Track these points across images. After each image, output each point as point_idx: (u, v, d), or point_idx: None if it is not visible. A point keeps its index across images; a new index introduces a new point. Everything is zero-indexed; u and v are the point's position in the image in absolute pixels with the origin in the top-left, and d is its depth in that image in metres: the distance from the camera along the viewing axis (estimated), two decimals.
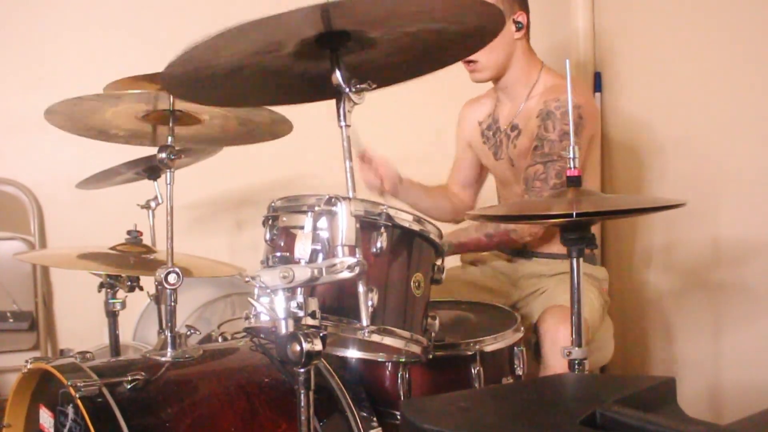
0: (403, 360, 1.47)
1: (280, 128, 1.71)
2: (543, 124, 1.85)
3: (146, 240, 1.84)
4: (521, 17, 1.92)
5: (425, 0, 1.18)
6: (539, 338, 1.78)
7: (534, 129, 1.87)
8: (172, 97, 1.48)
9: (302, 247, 1.17)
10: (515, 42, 1.94)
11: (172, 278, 1.44)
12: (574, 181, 1.42)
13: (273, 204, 1.37)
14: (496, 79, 2.00)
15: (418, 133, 2.67)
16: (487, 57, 1.90)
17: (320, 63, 1.25)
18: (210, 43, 1.10)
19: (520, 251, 2.09)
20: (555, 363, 1.69)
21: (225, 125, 1.70)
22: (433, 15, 1.22)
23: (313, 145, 2.23)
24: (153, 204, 1.88)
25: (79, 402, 1.23)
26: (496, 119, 2.05)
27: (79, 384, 1.24)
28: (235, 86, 1.34)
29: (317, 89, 1.30)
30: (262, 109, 1.60)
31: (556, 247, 2.00)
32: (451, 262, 1.81)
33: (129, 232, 1.80)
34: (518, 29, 1.92)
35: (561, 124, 1.82)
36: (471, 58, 1.89)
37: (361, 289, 1.21)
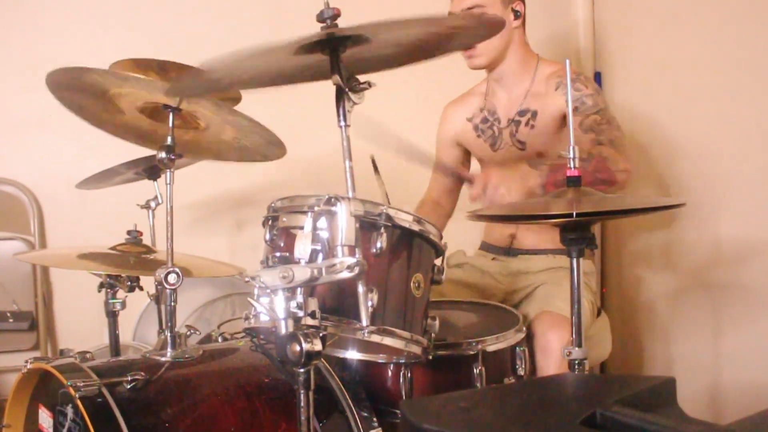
0: (403, 361, 1.47)
1: (272, 149, 1.71)
2: (572, 86, 1.86)
3: (146, 240, 1.84)
4: (519, 6, 1.97)
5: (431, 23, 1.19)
6: (532, 343, 1.78)
7: (556, 105, 1.92)
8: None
9: (302, 247, 1.17)
10: (513, 30, 1.97)
11: (172, 278, 1.44)
12: (574, 181, 1.42)
13: (273, 204, 1.37)
14: (491, 68, 2.01)
15: (417, 133, 2.67)
16: (486, 44, 1.93)
17: (318, 56, 1.25)
18: (215, 68, 1.11)
19: (506, 249, 2.11)
20: (547, 368, 1.69)
21: (220, 134, 1.70)
22: (437, 30, 1.23)
23: (313, 144, 2.23)
24: (153, 204, 1.88)
25: (78, 402, 1.23)
26: (493, 111, 2.07)
27: (78, 384, 1.24)
28: (232, 78, 1.34)
29: (314, 75, 1.32)
30: (258, 125, 1.60)
31: (543, 242, 2.01)
32: None
33: (129, 232, 1.80)
34: (516, 17, 1.96)
35: (587, 83, 1.91)
36: None
37: (360, 289, 1.21)
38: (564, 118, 1.94)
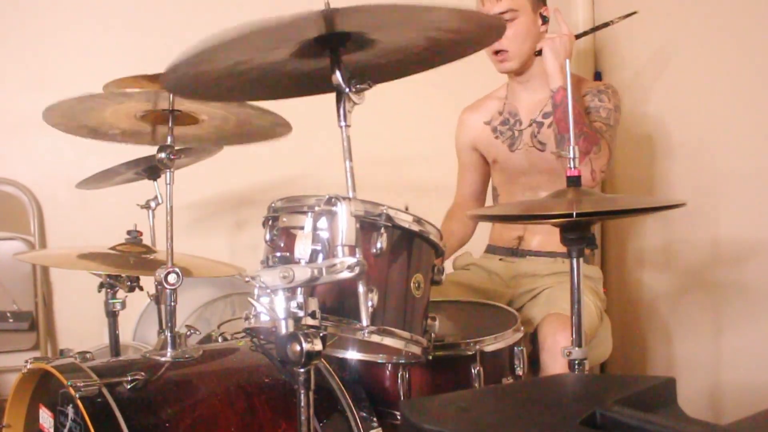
0: (403, 361, 1.47)
1: (278, 130, 1.71)
2: (596, 97, 1.97)
3: (146, 240, 1.84)
4: (546, 11, 2.01)
5: (431, 11, 1.19)
6: (538, 344, 1.78)
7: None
8: (171, 96, 1.48)
9: (302, 248, 1.17)
10: (541, 35, 1.99)
11: (172, 278, 1.44)
12: (574, 181, 1.42)
13: (273, 204, 1.37)
14: (520, 72, 2.04)
15: (419, 134, 2.67)
16: (519, 47, 1.97)
17: (319, 61, 1.25)
18: (210, 47, 1.10)
19: (513, 250, 2.11)
20: (554, 370, 1.69)
21: (223, 126, 1.70)
22: (436, 24, 1.23)
23: (313, 145, 2.23)
24: (153, 204, 1.89)
25: (78, 402, 1.23)
26: (514, 113, 2.09)
27: (79, 384, 1.24)
28: (233, 82, 1.34)
29: (316, 85, 1.31)
30: (262, 111, 1.60)
31: (550, 245, 2.01)
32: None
33: (129, 232, 1.80)
34: (544, 22, 2.00)
35: (615, 99, 1.99)
36: (502, 47, 1.96)
37: (361, 289, 1.21)
38: None
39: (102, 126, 1.68)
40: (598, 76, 2.72)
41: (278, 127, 1.69)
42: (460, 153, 2.24)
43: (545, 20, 2.01)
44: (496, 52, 1.98)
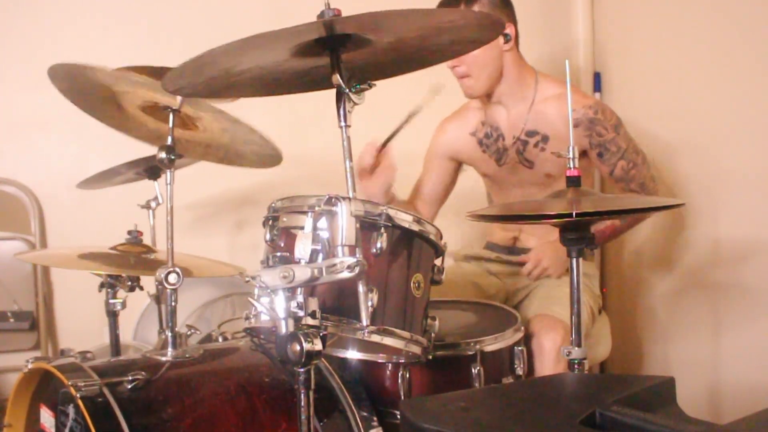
0: (403, 361, 1.47)
1: (267, 160, 1.71)
2: (593, 132, 1.92)
3: (146, 240, 1.84)
4: (509, 29, 1.93)
5: (431, 15, 1.19)
6: (530, 344, 1.78)
7: (578, 143, 1.87)
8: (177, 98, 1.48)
9: (302, 247, 1.17)
10: (504, 54, 1.94)
11: (172, 278, 1.44)
12: (574, 181, 1.42)
13: (273, 204, 1.37)
14: (489, 93, 1.99)
15: (419, 134, 2.67)
16: (479, 72, 1.92)
17: (318, 59, 1.25)
18: (211, 56, 1.10)
19: (510, 248, 2.12)
20: (542, 370, 1.70)
21: (217, 138, 1.70)
22: (436, 27, 1.23)
23: (313, 145, 2.23)
24: (153, 204, 1.89)
25: (79, 402, 1.23)
26: (496, 127, 2.04)
27: (79, 384, 1.24)
28: (230, 80, 1.34)
29: (315, 82, 1.32)
30: (255, 137, 1.60)
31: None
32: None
33: (129, 232, 1.80)
34: (506, 41, 1.93)
35: (607, 122, 1.93)
36: (462, 73, 1.92)
37: (361, 289, 1.21)
38: (585, 153, 1.95)
39: (102, 101, 1.64)
40: (597, 77, 2.72)
41: (267, 156, 1.68)
42: (433, 157, 2.18)
43: (507, 39, 1.92)
44: (461, 79, 1.94)
